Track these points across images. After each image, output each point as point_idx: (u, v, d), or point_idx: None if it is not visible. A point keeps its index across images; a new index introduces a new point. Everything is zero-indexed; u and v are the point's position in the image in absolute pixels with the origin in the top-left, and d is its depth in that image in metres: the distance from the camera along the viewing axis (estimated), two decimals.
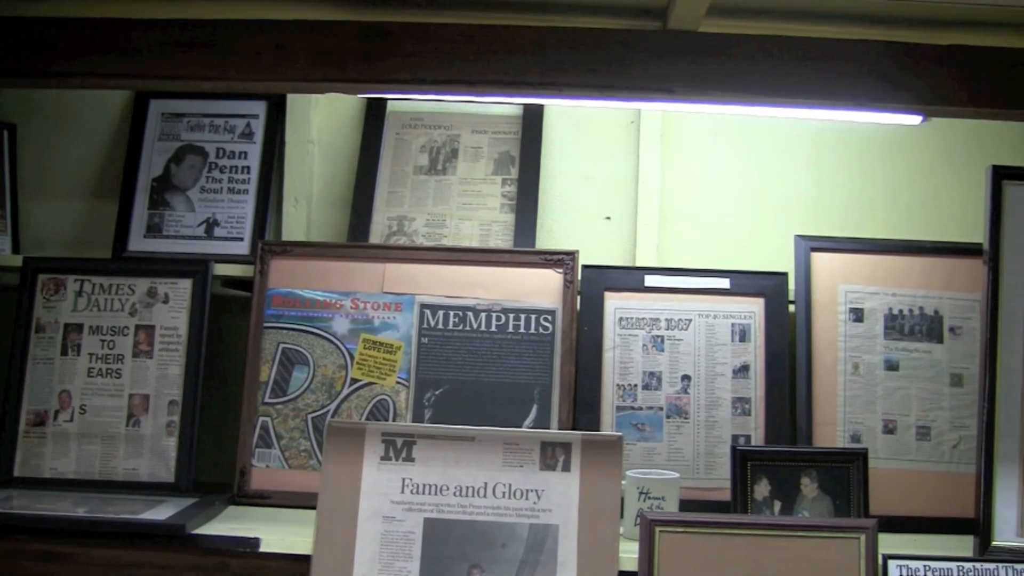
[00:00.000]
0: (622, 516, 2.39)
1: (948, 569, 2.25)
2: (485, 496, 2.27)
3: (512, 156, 2.99)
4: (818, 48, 2.46)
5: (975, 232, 2.41)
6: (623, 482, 2.40)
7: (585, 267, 2.76)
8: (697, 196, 3.04)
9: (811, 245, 2.79)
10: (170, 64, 2.45)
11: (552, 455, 2.28)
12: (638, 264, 2.93)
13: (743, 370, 2.72)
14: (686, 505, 2.48)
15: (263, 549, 2.30)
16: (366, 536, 2.25)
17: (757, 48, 2.44)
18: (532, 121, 3.03)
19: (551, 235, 3.00)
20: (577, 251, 2.75)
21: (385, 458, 2.29)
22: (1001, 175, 2.42)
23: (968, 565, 2.26)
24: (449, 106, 3.05)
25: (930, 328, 2.76)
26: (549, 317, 2.71)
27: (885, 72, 2.47)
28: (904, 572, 2.24)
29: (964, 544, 2.38)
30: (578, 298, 2.74)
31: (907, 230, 2.98)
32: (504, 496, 2.27)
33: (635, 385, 2.70)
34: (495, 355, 2.70)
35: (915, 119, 2.60)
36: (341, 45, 2.46)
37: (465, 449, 2.30)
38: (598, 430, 2.65)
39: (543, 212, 3.00)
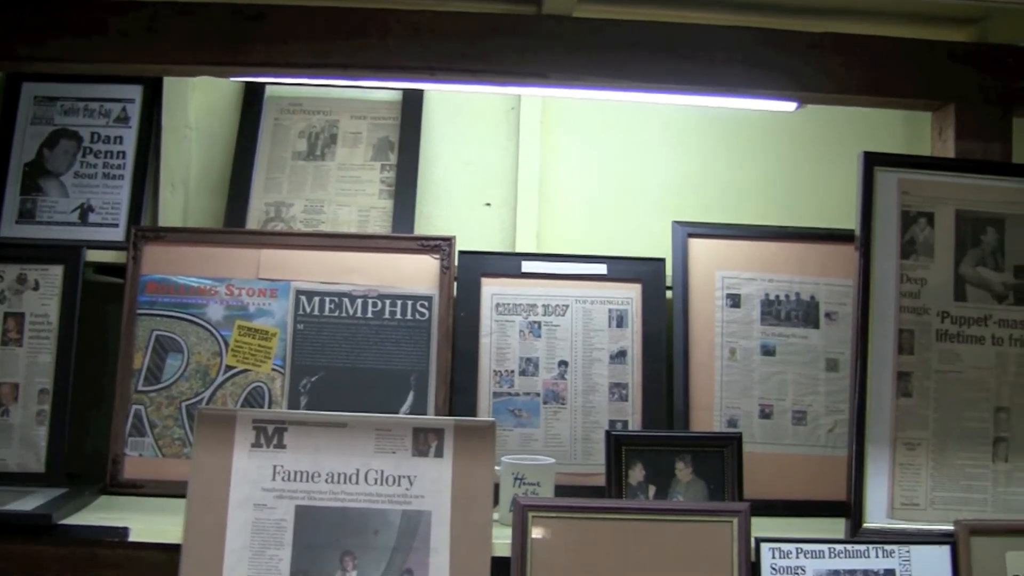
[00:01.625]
0: (497, 502, 2.39)
1: (820, 551, 2.27)
2: (357, 483, 2.25)
3: (391, 142, 2.98)
4: (692, 34, 2.48)
5: (851, 218, 2.43)
6: (498, 468, 2.40)
7: (462, 253, 2.74)
8: (577, 182, 3.04)
9: (688, 231, 2.80)
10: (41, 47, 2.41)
11: (425, 441, 2.27)
12: (518, 250, 2.92)
13: (620, 355, 2.72)
14: (563, 490, 2.48)
15: (133, 539, 2.26)
16: (237, 524, 2.22)
17: (631, 34, 2.45)
18: (412, 106, 3.01)
19: (431, 221, 2.99)
20: (454, 237, 2.73)
21: (256, 445, 2.26)
22: (873, 162, 2.44)
23: (839, 547, 2.28)
24: (328, 91, 3.02)
25: (806, 313, 2.79)
26: (426, 303, 2.69)
27: (758, 58, 2.50)
28: (776, 555, 2.26)
29: (839, 527, 2.40)
30: (455, 284, 2.73)
31: (785, 216, 3.01)
32: (376, 482, 2.25)
33: (512, 371, 2.70)
34: (371, 341, 2.67)
35: (789, 105, 2.63)
36: (213, 27, 2.43)
37: (337, 435, 2.27)
38: (475, 416, 2.64)
39: (423, 198, 2.98)
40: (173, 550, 2.21)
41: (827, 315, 2.79)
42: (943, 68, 2.56)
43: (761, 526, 2.37)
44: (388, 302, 2.69)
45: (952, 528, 2.33)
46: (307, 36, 2.42)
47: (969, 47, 2.59)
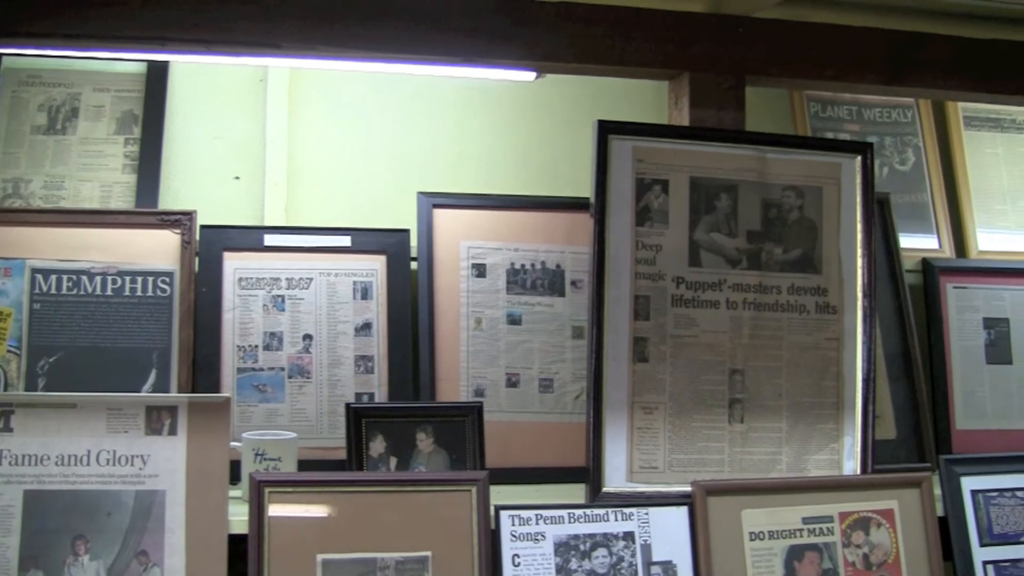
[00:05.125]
0: (239, 479, 2.36)
1: (559, 516, 2.31)
2: (89, 464, 2.20)
3: (136, 115, 2.90)
4: (429, 4, 2.47)
5: None
6: (239, 444, 2.37)
7: (204, 227, 2.69)
8: (326, 155, 3.01)
9: (433, 202, 2.80)
10: None
11: (158, 419, 2.23)
12: (267, 224, 2.88)
13: (365, 328, 2.71)
14: (308, 465, 2.47)
15: None
16: None
17: (367, 2, 2.43)
18: (156, 79, 2.94)
19: (178, 196, 2.92)
20: (195, 211, 2.68)
21: None
22: (607, 130, 2.47)
23: (579, 511, 2.33)
24: (70, 63, 2.92)
25: (552, 282, 2.82)
26: (167, 279, 2.64)
27: (496, 28, 2.50)
28: (516, 522, 2.28)
29: (583, 492, 2.44)
30: (196, 259, 2.68)
31: (536, 186, 3.03)
32: (109, 463, 2.20)
33: (256, 346, 2.66)
34: (112, 319, 2.61)
35: (528, 75, 2.65)
36: None
37: (67, 417, 2.21)
38: (219, 392, 2.59)
39: (170, 173, 2.92)
40: None
41: (573, 283, 2.82)
42: (679, 38, 2.61)
43: (508, 494, 2.40)
44: (128, 279, 2.63)
45: (689, 489, 2.38)
46: (29, 4, 2.33)
47: (704, 17, 2.64)
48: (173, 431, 2.23)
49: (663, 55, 2.60)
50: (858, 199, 2.61)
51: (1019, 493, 2.65)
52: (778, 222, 2.57)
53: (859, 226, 2.61)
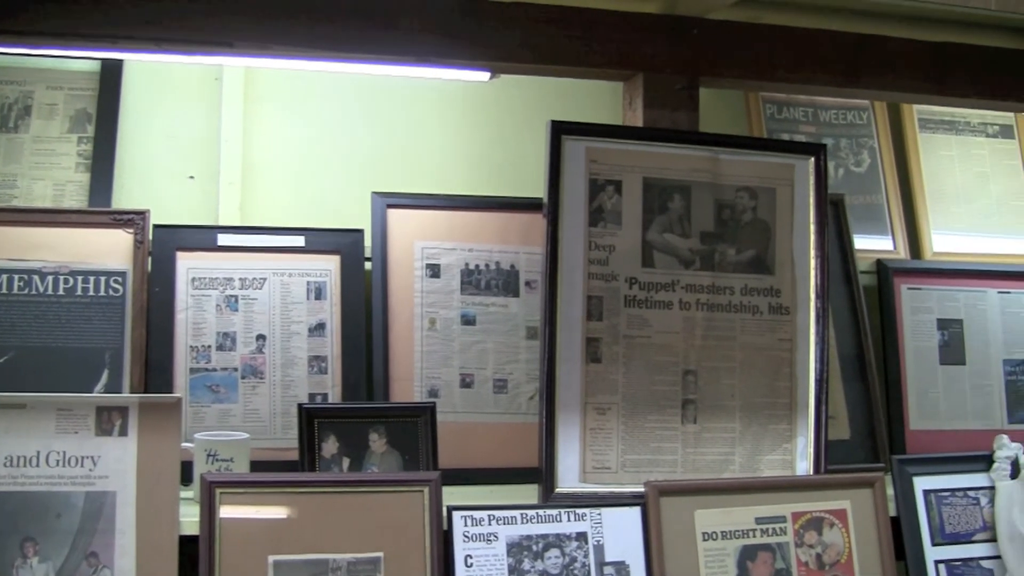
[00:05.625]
0: (191, 480, 2.35)
1: (512, 517, 2.31)
2: (38, 465, 2.18)
3: (89, 113, 2.88)
4: (383, 3, 2.46)
5: None
6: (191, 445, 2.36)
7: (157, 227, 2.68)
8: (281, 154, 3.00)
9: (388, 202, 2.80)
10: None
11: (108, 420, 2.21)
12: (221, 223, 2.87)
13: (319, 328, 2.71)
14: (261, 466, 2.46)
15: None
16: None
17: (321, 2, 2.42)
18: (111, 77, 2.91)
19: (131, 196, 2.89)
20: (148, 210, 2.67)
21: None
22: (561, 130, 2.48)
23: (532, 512, 2.33)
24: (22, 61, 2.89)
25: (506, 282, 2.82)
26: (119, 279, 2.62)
27: (450, 28, 2.50)
28: (468, 522, 2.28)
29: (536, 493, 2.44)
30: (149, 259, 2.66)
31: (489, 186, 3.03)
32: (58, 464, 2.19)
33: (209, 346, 2.65)
34: (63, 320, 2.59)
35: (483, 76, 2.64)
36: None
37: (16, 417, 2.19)
38: (171, 393, 2.58)
39: (124, 172, 2.89)
40: None
41: (527, 284, 2.82)
42: (633, 39, 2.61)
43: (462, 495, 2.40)
44: (80, 279, 2.61)
45: (642, 489, 2.39)
46: None
47: (658, 19, 2.64)
48: (124, 432, 2.22)
49: (617, 56, 2.60)
50: (811, 200, 2.62)
51: (971, 493, 2.67)
52: (731, 223, 2.58)
53: (812, 227, 2.62)
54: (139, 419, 2.22)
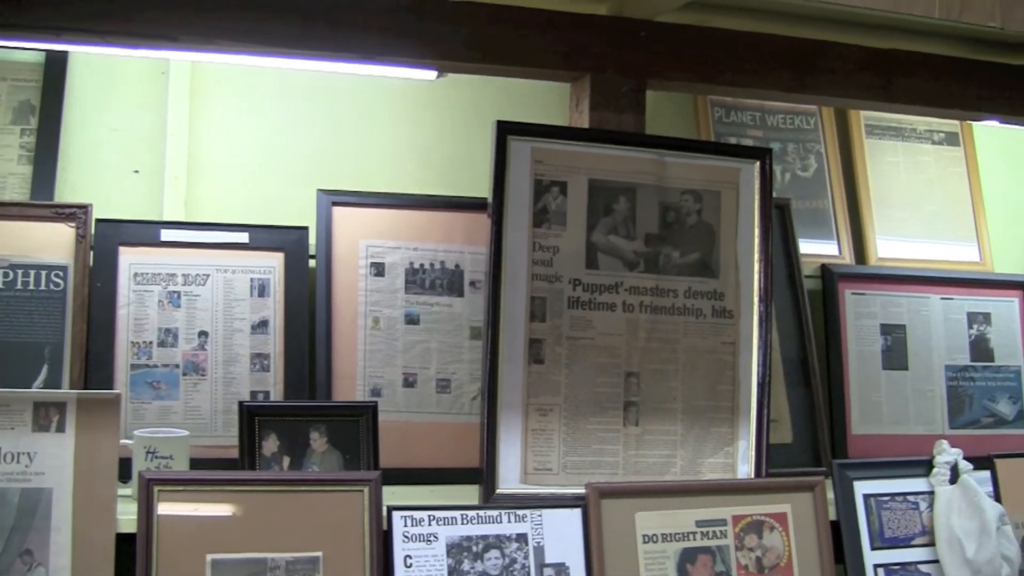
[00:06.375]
0: (130, 477, 2.33)
1: (452, 518, 2.30)
2: None
3: (33, 105, 2.85)
4: (329, 1, 2.45)
5: None
6: (130, 442, 2.34)
7: (99, 221, 2.65)
8: (227, 150, 2.98)
9: (333, 199, 2.79)
10: None
11: (46, 416, 2.19)
12: (166, 219, 2.85)
13: (262, 325, 2.69)
14: (202, 463, 2.45)
15: None
16: None
17: None
18: (55, 69, 2.88)
19: (75, 189, 2.86)
20: (91, 205, 2.65)
21: None
22: (506, 130, 2.48)
23: (472, 513, 2.32)
24: None
25: (451, 282, 2.81)
26: (61, 273, 2.60)
27: (396, 26, 2.49)
28: (408, 523, 2.27)
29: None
30: (91, 253, 2.64)
31: (435, 185, 3.02)
32: None
33: (150, 342, 2.63)
34: (2, 314, 2.56)
35: (429, 74, 2.64)
36: None
37: None
38: (112, 389, 2.55)
39: (68, 165, 2.86)
40: None
41: (472, 284, 2.82)
42: (580, 40, 2.61)
43: (403, 494, 2.40)
44: (20, 272, 2.59)
45: (583, 491, 2.39)
46: None
47: (606, 20, 2.64)
48: (61, 428, 2.19)
49: (565, 57, 2.60)
50: (756, 204, 2.64)
51: (911, 497, 2.68)
52: (676, 226, 2.58)
53: (757, 231, 2.63)
54: (77, 415, 2.20)
